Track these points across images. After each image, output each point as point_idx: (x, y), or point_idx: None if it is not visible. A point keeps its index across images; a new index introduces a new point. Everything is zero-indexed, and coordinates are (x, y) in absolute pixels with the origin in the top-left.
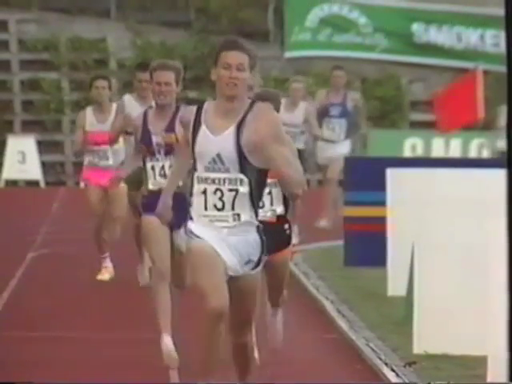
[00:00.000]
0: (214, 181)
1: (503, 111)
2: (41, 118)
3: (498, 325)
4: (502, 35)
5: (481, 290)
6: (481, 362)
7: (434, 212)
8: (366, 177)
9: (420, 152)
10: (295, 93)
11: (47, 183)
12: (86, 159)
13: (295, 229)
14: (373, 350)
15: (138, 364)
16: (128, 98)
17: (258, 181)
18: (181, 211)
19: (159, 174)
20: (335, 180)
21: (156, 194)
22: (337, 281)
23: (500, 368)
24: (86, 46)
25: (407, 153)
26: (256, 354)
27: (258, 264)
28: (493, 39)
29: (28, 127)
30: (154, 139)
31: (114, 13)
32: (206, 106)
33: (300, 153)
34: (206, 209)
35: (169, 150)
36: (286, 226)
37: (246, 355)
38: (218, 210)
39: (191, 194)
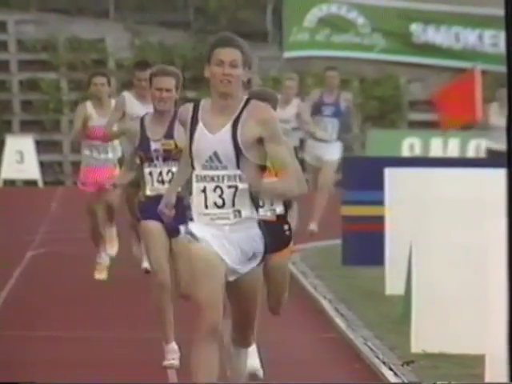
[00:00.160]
0: (212, 178)
1: (493, 109)
2: (39, 118)
3: (496, 324)
4: (501, 35)
5: (478, 288)
6: (479, 360)
7: (432, 211)
8: (364, 176)
9: (418, 152)
10: (288, 90)
11: (45, 183)
12: (85, 158)
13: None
14: (371, 349)
15: (137, 364)
16: (128, 96)
17: (257, 176)
18: (178, 216)
19: (157, 180)
20: (328, 186)
21: (154, 200)
22: (335, 280)
23: (498, 367)
24: (84, 47)
25: (405, 152)
26: (258, 362)
27: (262, 259)
28: (491, 39)
29: (27, 127)
30: (153, 146)
31: (112, 13)
32: (202, 103)
33: (295, 150)
34: (206, 207)
35: (167, 156)
36: (286, 227)
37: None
38: (219, 207)
39: (191, 194)
